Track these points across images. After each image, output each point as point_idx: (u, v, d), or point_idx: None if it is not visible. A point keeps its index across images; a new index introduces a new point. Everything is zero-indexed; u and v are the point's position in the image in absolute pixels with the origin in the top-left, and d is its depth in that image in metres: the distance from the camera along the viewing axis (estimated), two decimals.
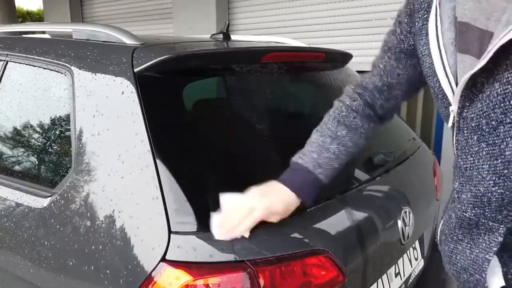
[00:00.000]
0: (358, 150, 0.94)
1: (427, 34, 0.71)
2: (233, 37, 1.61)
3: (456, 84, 0.65)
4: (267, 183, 0.88)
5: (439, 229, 0.78)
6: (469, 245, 0.68)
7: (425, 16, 0.73)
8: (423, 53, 0.73)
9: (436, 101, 0.73)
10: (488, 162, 0.62)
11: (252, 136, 1.09)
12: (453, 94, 0.66)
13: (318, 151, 0.89)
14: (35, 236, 1.02)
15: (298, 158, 0.90)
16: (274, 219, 0.86)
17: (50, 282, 0.98)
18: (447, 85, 0.67)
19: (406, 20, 0.80)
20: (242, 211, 0.84)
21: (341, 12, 4.25)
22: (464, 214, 0.67)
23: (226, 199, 0.85)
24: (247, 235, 0.84)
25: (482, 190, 0.63)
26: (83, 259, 0.91)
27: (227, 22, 1.65)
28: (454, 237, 0.71)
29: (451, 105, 0.67)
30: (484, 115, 0.60)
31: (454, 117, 0.67)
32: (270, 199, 0.85)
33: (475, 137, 0.63)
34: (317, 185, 0.89)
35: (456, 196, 0.70)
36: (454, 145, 0.70)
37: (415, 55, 0.81)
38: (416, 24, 0.76)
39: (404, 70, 0.86)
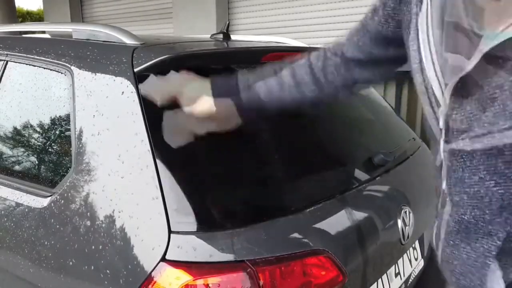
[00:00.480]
0: (300, 105, 0.92)
1: (416, 29, 0.69)
2: (233, 37, 1.61)
3: (445, 85, 0.64)
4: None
5: (434, 234, 0.76)
6: (466, 250, 0.66)
7: (414, 10, 0.70)
8: (411, 48, 0.70)
9: (422, 97, 0.71)
10: (486, 163, 0.60)
11: (252, 136, 1.08)
12: (443, 94, 0.64)
13: (259, 75, 0.90)
14: (35, 236, 1.02)
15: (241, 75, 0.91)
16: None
17: (50, 282, 0.98)
18: (437, 86, 0.65)
19: (392, 5, 0.77)
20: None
21: (341, 12, 4.25)
22: (463, 217, 0.65)
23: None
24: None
25: (483, 192, 0.61)
26: (83, 259, 0.91)
27: (227, 22, 1.65)
28: (451, 241, 0.69)
29: (439, 105, 0.66)
30: (475, 118, 0.59)
31: (443, 118, 0.66)
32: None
33: (467, 139, 0.62)
34: (232, 87, 0.90)
35: (448, 199, 0.68)
36: (442, 147, 0.67)
37: (393, 41, 0.80)
38: (405, 15, 0.74)
39: (378, 51, 0.84)
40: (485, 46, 0.54)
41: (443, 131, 0.66)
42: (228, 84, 0.90)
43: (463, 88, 0.60)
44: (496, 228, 0.62)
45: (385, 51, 0.84)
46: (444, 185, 0.68)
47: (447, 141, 0.66)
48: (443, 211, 0.70)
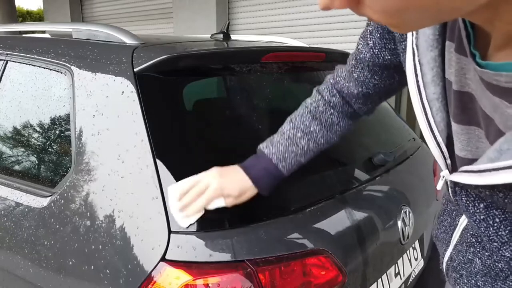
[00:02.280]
0: (329, 146, 0.91)
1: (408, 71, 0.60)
2: (233, 37, 1.61)
3: (445, 145, 0.56)
4: (231, 166, 0.86)
5: (446, 262, 0.71)
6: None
7: (404, 49, 0.63)
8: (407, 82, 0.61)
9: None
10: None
11: (252, 136, 1.08)
12: (442, 155, 0.57)
13: (286, 144, 0.85)
14: (35, 235, 1.02)
15: (265, 147, 0.87)
16: (228, 202, 0.84)
17: (50, 281, 0.97)
18: (434, 145, 0.57)
19: (378, 35, 0.72)
20: (199, 186, 0.82)
21: (341, 12, 4.26)
22: (496, 264, 0.59)
23: (175, 186, 0.84)
24: (200, 213, 0.83)
25: None
26: (83, 258, 0.91)
27: (227, 22, 1.65)
28: (473, 281, 0.64)
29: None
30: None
31: (446, 182, 0.59)
32: (226, 180, 0.83)
33: (482, 205, 0.54)
34: (277, 177, 0.86)
35: (474, 240, 0.63)
36: (452, 197, 0.60)
37: (391, 66, 0.76)
38: (399, 51, 0.67)
39: (380, 81, 0.80)
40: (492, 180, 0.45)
41: (450, 189, 0.59)
42: (265, 171, 0.85)
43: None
44: None
45: (389, 77, 0.80)
46: (467, 224, 0.63)
47: (457, 200, 0.58)
48: (471, 250, 0.64)
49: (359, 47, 0.78)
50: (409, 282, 1.32)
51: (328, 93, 0.87)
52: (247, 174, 0.84)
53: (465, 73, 0.49)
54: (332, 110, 0.87)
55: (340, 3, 0.35)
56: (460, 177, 0.51)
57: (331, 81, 0.88)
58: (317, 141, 0.87)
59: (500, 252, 0.55)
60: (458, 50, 0.49)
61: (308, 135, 0.86)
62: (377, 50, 0.75)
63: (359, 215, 1.08)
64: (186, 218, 0.83)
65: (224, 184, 0.83)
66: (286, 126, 0.88)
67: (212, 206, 0.84)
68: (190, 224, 0.83)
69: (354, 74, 0.82)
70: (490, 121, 0.46)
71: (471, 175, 0.48)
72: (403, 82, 0.78)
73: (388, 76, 0.80)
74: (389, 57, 0.74)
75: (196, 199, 0.82)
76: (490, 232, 0.54)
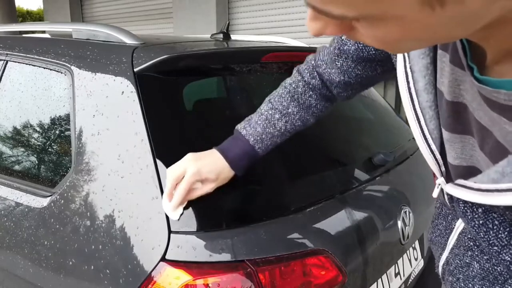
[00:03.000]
0: (305, 128, 0.90)
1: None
2: (233, 37, 1.61)
3: (439, 152, 0.56)
4: (207, 150, 0.86)
5: (442, 266, 0.71)
6: None
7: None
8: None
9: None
10: None
11: None
12: (436, 162, 0.57)
13: (263, 125, 0.85)
14: (35, 235, 1.02)
15: (242, 128, 0.86)
16: (207, 187, 0.84)
17: (50, 281, 0.97)
18: (428, 153, 0.57)
19: None
20: (175, 173, 0.82)
21: None
22: (495, 267, 0.59)
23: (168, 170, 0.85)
24: (182, 203, 0.83)
25: None
26: (83, 258, 0.91)
27: (227, 22, 1.65)
28: (470, 284, 0.64)
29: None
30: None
31: (442, 190, 0.59)
32: (203, 163, 0.82)
33: (480, 210, 0.53)
34: (253, 158, 0.86)
35: (471, 244, 0.62)
36: (448, 204, 0.60)
37: (376, 60, 0.75)
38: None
39: (363, 72, 0.80)
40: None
41: (446, 196, 0.60)
42: (242, 153, 0.85)
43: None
44: None
45: (373, 69, 0.80)
46: (464, 228, 0.63)
47: (454, 207, 0.58)
48: (468, 254, 0.64)
49: (343, 37, 0.78)
50: (409, 282, 1.32)
51: (308, 74, 0.87)
52: (225, 157, 0.84)
53: (459, 84, 0.49)
54: (311, 92, 0.86)
55: (332, 30, 0.35)
56: (459, 192, 0.51)
57: (312, 62, 0.87)
58: (294, 123, 0.87)
59: (500, 256, 0.55)
60: (453, 62, 0.49)
61: (286, 117, 0.86)
62: (361, 45, 0.75)
63: (359, 215, 1.08)
64: (174, 209, 0.83)
65: (201, 167, 0.82)
66: (264, 107, 0.88)
67: (195, 195, 0.84)
68: (180, 215, 0.83)
69: (337, 63, 0.82)
70: (486, 132, 0.46)
71: (470, 191, 0.48)
72: (386, 75, 0.79)
73: (371, 68, 0.80)
74: (373, 51, 0.74)
75: (176, 187, 0.82)
76: (490, 236, 0.54)
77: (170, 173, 0.83)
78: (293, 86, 0.87)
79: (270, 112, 0.86)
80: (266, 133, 0.85)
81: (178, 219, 0.83)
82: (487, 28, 0.33)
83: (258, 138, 0.85)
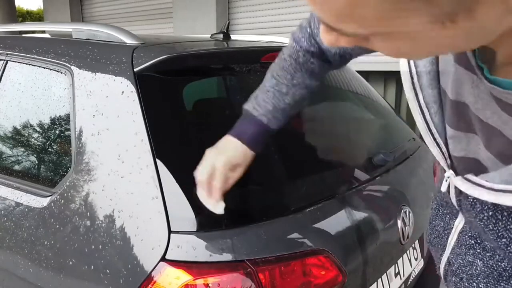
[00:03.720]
0: (313, 93, 0.91)
1: None
2: (233, 37, 1.61)
3: (445, 145, 0.57)
4: (222, 139, 0.86)
5: (444, 267, 0.70)
6: None
7: None
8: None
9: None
10: None
11: None
12: (443, 156, 0.57)
13: (272, 103, 0.86)
14: (35, 235, 1.02)
15: (253, 109, 0.86)
16: (238, 173, 0.84)
17: (50, 281, 0.97)
18: (435, 146, 0.58)
19: None
20: (206, 172, 0.82)
21: None
22: (499, 263, 0.58)
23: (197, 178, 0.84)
24: (220, 197, 0.82)
25: None
26: (83, 258, 0.91)
27: (227, 22, 1.65)
28: (474, 283, 0.62)
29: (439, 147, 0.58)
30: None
31: (449, 183, 0.59)
32: (225, 153, 0.83)
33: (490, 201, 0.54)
34: (269, 134, 0.87)
35: (473, 242, 0.62)
36: (455, 201, 0.60)
37: None
38: None
39: (359, 49, 0.80)
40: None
41: (452, 189, 0.60)
42: (258, 134, 0.86)
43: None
44: None
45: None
46: (465, 226, 0.63)
47: (460, 200, 0.58)
48: (470, 252, 0.63)
49: None
50: (409, 282, 1.32)
51: (306, 42, 0.87)
52: (242, 141, 0.85)
53: (462, 84, 0.49)
54: (312, 59, 0.87)
55: (346, 42, 0.36)
56: (469, 189, 0.52)
57: (308, 30, 0.87)
58: (301, 94, 0.88)
59: (509, 248, 0.54)
60: (458, 61, 0.49)
61: (293, 89, 0.87)
62: None
63: (359, 215, 1.08)
64: (216, 204, 0.82)
65: (227, 157, 0.83)
66: (269, 83, 0.88)
67: (230, 183, 0.84)
68: (224, 208, 0.82)
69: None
70: (494, 132, 0.46)
71: (482, 189, 0.49)
72: None
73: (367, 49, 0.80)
74: None
75: (212, 182, 0.82)
76: (499, 228, 0.54)
77: (200, 174, 0.83)
78: (294, 57, 0.87)
79: (276, 88, 0.87)
80: (277, 109, 0.86)
81: (223, 212, 0.82)
82: (498, 36, 0.34)
83: (271, 116, 0.86)
